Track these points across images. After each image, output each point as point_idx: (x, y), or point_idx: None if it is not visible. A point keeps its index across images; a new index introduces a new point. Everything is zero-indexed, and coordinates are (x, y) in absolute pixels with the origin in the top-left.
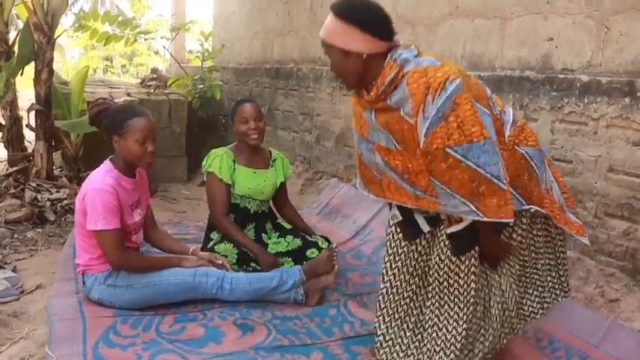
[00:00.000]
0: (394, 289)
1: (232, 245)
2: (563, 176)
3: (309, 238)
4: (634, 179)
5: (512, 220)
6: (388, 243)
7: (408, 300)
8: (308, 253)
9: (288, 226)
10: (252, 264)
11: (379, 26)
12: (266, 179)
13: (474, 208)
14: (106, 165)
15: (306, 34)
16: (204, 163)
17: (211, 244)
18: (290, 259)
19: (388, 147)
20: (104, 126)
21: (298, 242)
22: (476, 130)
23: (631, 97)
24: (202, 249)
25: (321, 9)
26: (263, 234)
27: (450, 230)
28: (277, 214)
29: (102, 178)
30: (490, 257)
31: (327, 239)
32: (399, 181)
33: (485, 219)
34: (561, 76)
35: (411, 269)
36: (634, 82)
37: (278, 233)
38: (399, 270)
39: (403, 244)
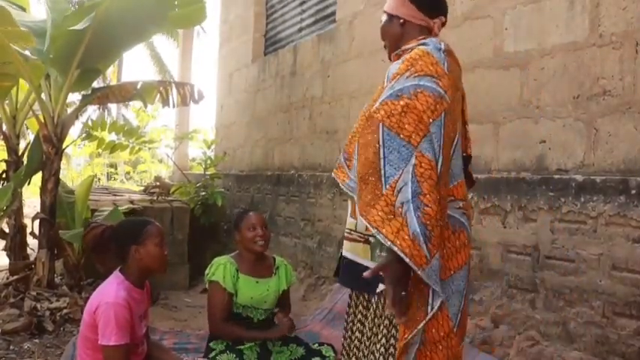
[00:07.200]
0: None
1: (235, 355)
2: (567, 276)
3: (312, 347)
4: (638, 277)
5: (370, 226)
6: None
7: None
8: None
9: (292, 334)
10: None
11: None
12: (269, 288)
13: (355, 197)
14: (117, 277)
15: (306, 142)
16: (207, 271)
17: (213, 354)
18: None
19: (364, 110)
20: (121, 239)
21: (301, 351)
22: (408, 129)
23: (626, 195)
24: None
25: (320, 117)
26: (268, 342)
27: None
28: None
29: (115, 291)
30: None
31: (332, 347)
32: (343, 148)
33: (358, 212)
34: (556, 176)
35: None
36: (627, 181)
37: (281, 342)
38: None
39: None
